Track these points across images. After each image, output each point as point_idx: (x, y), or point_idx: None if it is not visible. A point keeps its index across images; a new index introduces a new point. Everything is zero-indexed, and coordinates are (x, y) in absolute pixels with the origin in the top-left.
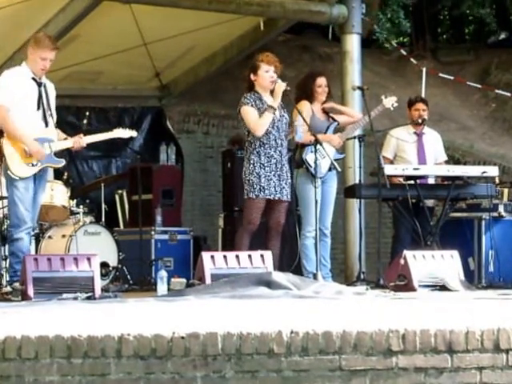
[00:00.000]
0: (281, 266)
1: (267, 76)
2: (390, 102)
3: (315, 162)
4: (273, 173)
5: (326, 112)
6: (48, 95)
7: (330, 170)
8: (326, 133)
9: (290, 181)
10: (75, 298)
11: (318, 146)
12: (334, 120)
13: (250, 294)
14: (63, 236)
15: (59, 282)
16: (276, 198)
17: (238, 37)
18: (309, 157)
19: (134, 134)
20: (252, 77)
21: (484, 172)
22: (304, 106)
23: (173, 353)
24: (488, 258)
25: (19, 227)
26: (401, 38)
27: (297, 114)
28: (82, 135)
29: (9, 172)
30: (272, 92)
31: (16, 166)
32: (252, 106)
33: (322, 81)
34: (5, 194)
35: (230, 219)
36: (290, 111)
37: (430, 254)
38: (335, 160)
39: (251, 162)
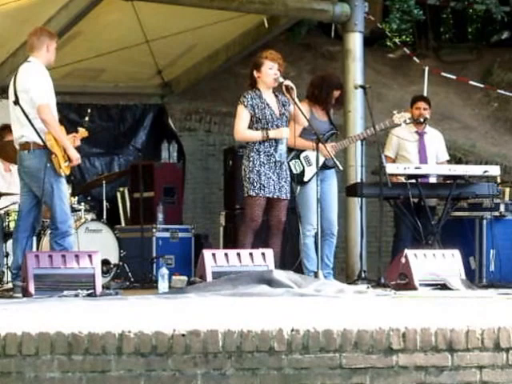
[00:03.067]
0: (282, 264)
1: (270, 73)
2: (401, 118)
3: (318, 164)
4: (272, 171)
5: (328, 115)
6: None
7: (328, 168)
8: None
9: (289, 179)
10: (76, 295)
11: (305, 154)
12: (334, 127)
13: (250, 291)
14: None
15: (60, 278)
16: (275, 197)
17: (240, 34)
18: (292, 163)
19: (85, 134)
20: (255, 73)
21: (486, 171)
22: (302, 107)
23: (173, 350)
24: (489, 257)
25: (67, 222)
26: (403, 37)
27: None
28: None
29: (57, 169)
30: (275, 88)
31: (62, 164)
32: (246, 106)
33: (338, 93)
34: (6, 190)
35: (231, 217)
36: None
37: (431, 252)
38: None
39: (251, 159)
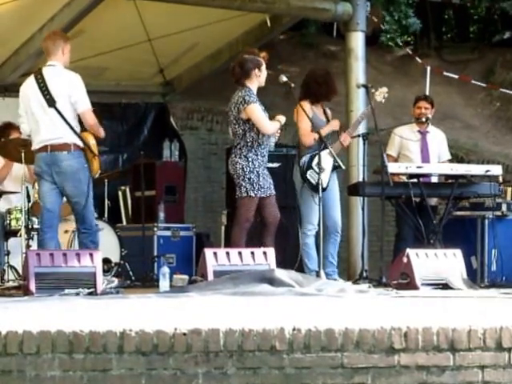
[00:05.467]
0: (284, 263)
1: (266, 74)
2: (380, 94)
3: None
4: (265, 170)
5: (325, 112)
6: None
7: (335, 168)
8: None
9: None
10: (77, 294)
11: (316, 162)
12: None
13: (252, 290)
14: (66, 231)
15: (61, 277)
16: (267, 195)
17: (243, 33)
18: (309, 174)
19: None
20: (257, 72)
21: (487, 171)
22: (304, 106)
23: (175, 349)
24: (491, 257)
25: (94, 221)
26: (405, 37)
27: (298, 114)
28: None
29: (94, 170)
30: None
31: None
32: (259, 104)
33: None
34: (10, 189)
35: (233, 216)
36: (292, 107)
37: (433, 252)
38: (333, 170)
39: (250, 159)
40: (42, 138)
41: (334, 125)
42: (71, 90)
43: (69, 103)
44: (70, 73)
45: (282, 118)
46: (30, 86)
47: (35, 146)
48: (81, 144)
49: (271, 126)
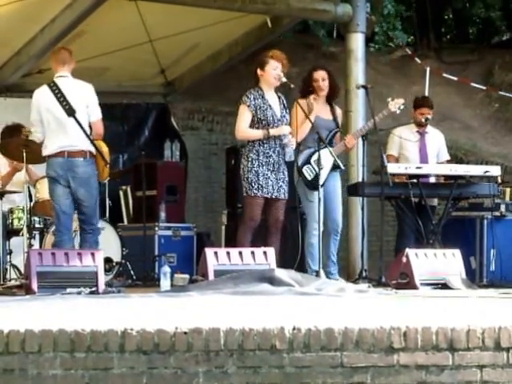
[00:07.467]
0: (284, 263)
1: (274, 73)
2: (396, 105)
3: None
4: (270, 172)
5: (333, 112)
6: None
7: (332, 169)
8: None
9: (287, 179)
10: (79, 293)
11: (315, 158)
12: (337, 125)
13: (252, 290)
14: None
15: (63, 276)
16: (273, 197)
17: (243, 34)
18: (305, 169)
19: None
20: (259, 71)
21: (486, 171)
22: (298, 106)
23: (175, 348)
24: (490, 257)
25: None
26: (405, 37)
27: (294, 114)
28: None
29: (100, 176)
30: (278, 88)
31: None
32: (249, 106)
33: (317, 75)
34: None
35: (233, 216)
36: (291, 108)
37: (432, 252)
38: (333, 170)
39: (249, 159)
40: (60, 144)
41: (283, 129)
42: (88, 99)
43: (86, 112)
44: (85, 83)
45: (280, 130)
46: (45, 95)
47: (50, 152)
48: (94, 152)
49: (245, 133)
